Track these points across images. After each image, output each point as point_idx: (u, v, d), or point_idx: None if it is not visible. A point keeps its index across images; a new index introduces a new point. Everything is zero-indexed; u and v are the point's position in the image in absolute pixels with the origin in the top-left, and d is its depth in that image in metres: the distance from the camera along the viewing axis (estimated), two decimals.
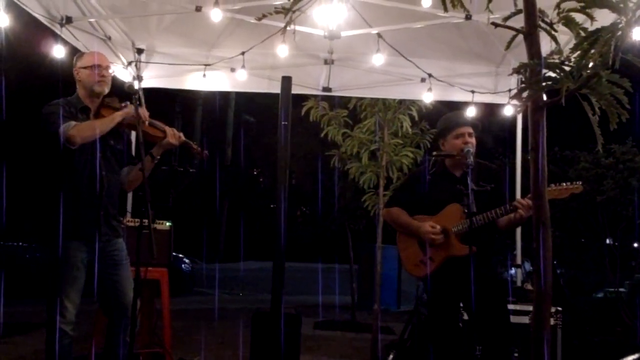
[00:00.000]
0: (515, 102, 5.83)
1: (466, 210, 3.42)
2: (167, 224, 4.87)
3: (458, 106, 6.08)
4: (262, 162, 27.20)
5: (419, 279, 3.94)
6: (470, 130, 3.80)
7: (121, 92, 3.53)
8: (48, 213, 3.25)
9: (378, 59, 5.24)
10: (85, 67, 3.41)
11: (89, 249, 3.30)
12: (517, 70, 1.95)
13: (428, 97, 5.83)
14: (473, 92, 5.87)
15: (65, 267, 3.24)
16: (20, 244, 11.56)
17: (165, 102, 19.51)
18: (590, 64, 1.76)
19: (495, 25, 2.07)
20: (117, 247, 3.45)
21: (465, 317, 4.00)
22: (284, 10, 2.28)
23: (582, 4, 1.85)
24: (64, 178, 3.28)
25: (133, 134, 3.95)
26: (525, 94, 1.94)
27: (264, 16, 2.47)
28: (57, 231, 3.23)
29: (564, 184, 3.59)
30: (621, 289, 9.47)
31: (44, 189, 3.32)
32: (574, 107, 1.98)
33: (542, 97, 1.96)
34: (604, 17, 1.98)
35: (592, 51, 1.72)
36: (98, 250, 3.32)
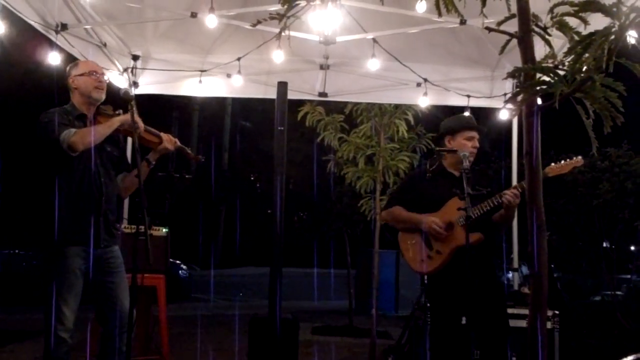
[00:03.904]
0: (510, 106, 5.86)
1: (464, 208, 3.43)
2: (164, 230, 4.87)
3: (454, 111, 6.09)
4: (259, 167, 27.19)
5: (427, 275, 3.92)
6: (478, 136, 3.85)
7: (116, 100, 3.54)
8: (47, 219, 3.23)
9: (373, 64, 5.26)
10: (81, 75, 3.41)
11: (87, 255, 3.29)
12: (511, 75, 1.95)
13: (424, 101, 5.84)
14: (469, 96, 5.88)
15: (64, 273, 3.22)
16: (17, 251, 11.53)
17: (162, 108, 19.51)
18: (584, 68, 1.77)
19: (489, 29, 2.08)
20: (113, 254, 3.44)
21: (464, 320, 3.99)
22: (279, 16, 2.29)
23: (576, 8, 1.86)
24: (63, 185, 3.27)
25: (128, 139, 3.96)
26: (519, 98, 1.94)
27: (259, 22, 2.47)
28: (55, 238, 3.22)
29: (563, 161, 3.65)
30: (618, 292, 9.48)
31: (42, 196, 3.31)
32: (569, 110, 1.99)
33: (537, 101, 1.97)
34: (596, 21, 1.99)
35: (586, 55, 1.72)
36: (95, 257, 3.31)
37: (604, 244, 9.01)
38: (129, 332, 3.14)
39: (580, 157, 3.69)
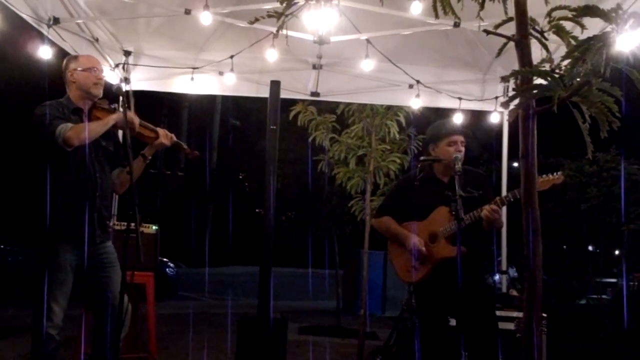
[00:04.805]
0: (501, 109, 5.89)
1: (453, 213, 3.44)
2: (154, 227, 4.84)
3: (445, 112, 6.11)
4: (248, 166, 27.16)
5: (411, 284, 3.95)
6: (462, 139, 3.84)
7: (109, 94, 3.52)
8: (39, 215, 3.20)
9: (367, 65, 5.25)
10: (82, 69, 3.39)
11: (79, 251, 3.26)
12: (509, 77, 1.96)
13: (416, 103, 5.85)
14: (460, 98, 5.89)
15: (55, 270, 3.19)
16: (2, 247, 11.42)
17: (152, 105, 19.42)
18: (582, 72, 1.77)
19: (487, 32, 2.08)
20: (106, 250, 3.41)
21: (453, 323, 4.00)
22: (277, 14, 2.28)
23: (574, 13, 1.86)
24: (57, 180, 3.24)
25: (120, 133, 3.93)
26: (515, 101, 1.95)
27: (257, 20, 2.46)
28: (48, 233, 3.19)
29: (544, 175, 3.64)
30: (604, 296, 9.56)
31: (35, 191, 3.27)
32: (558, 114, 2.00)
33: (533, 105, 1.97)
34: (590, 25, 2.00)
35: (585, 59, 1.73)
36: (88, 254, 3.28)
37: (591, 248, 9.10)
38: (117, 329, 3.12)
39: (560, 174, 3.68)
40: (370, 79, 5.88)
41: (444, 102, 6.02)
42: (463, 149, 3.81)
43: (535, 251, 1.85)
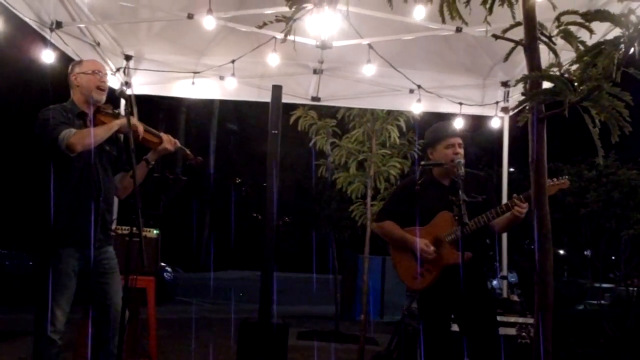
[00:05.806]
0: (502, 113, 5.89)
1: (457, 217, 3.42)
2: (155, 231, 4.83)
3: (446, 117, 6.11)
4: (245, 170, 27.15)
5: (418, 291, 3.91)
6: (460, 141, 3.81)
7: (113, 98, 3.52)
8: (43, 219, 3.19)
9: (369, 70, 5.25)
10: (85, 73, 3.39)
11: (81, 255, 3.25)
12: (519, 82, 1.96)
13: (417, 108, 5.84)
14: (461, 103, 5.89)
15: (58, 275, 3.18)
16: (1, 250, 11.36)
17: (149, 109, 19.41)
18: (592, 76, 1.77)
19: (496, 37, 2.08)
20: (107, 255, 3.40)
21: (455, 328, 3.99)
22: (285, 19, 2.28)
23: (582, 18, 1.87)
24: (60, 184, 3.23)
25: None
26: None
27: (265, 24, 2.46)
28: (51, 237, 3.18)
29: (549, 180, 3.61)
30: (602, 301, 9.56)
31: (38, 195, 3.26)
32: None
33: (543, 110, 1.98)
34: (595, 29, 2.00)
35: (595, 63, 1.73)
36: (88, 258, 3.27)
37: (588, 253, 9.09)
38: (121, 333, 3.11)
39: (566, 178, 3.68)
40: (371, 84, 5.88)
41: (444, 107, 6.02)
42: (461, 151, 3.77)
43: (546, 255, 1.84)
